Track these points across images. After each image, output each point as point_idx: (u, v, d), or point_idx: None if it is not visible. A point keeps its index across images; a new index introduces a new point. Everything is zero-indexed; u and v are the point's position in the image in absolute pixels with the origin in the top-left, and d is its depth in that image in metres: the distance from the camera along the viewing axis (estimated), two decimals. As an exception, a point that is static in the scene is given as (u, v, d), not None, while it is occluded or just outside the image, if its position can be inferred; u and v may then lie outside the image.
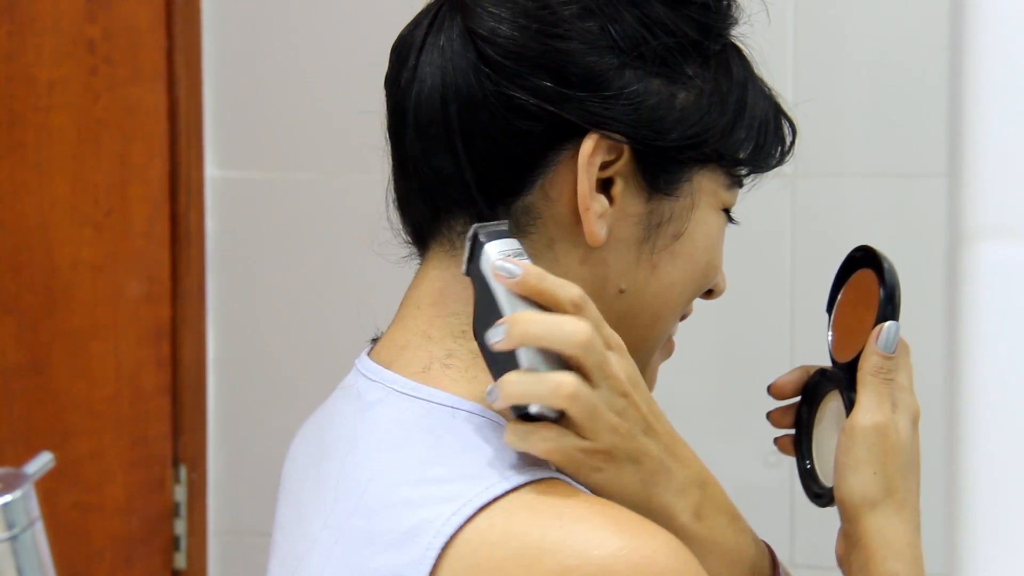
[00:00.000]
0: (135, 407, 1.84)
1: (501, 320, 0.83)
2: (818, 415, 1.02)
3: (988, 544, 0.56)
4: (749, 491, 1.62)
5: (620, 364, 0.85)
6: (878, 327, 0.96)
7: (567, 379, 0.82)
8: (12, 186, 1.81)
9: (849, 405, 0.96)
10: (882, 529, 0.93)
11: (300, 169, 1.83)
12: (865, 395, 0.94)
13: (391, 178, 0.94)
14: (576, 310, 0.83)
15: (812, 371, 1.02)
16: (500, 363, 0.83)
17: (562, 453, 0.83)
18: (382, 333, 0.95)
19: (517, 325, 0.82)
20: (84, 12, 1.80)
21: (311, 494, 0.91)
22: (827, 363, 1.02)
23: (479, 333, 0.85)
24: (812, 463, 1.01)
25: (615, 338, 0.85)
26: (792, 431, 1.03)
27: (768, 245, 1.64)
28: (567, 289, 0.84)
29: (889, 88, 1.59)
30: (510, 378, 0.82)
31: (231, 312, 1.88)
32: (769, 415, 1.04)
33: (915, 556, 0.93)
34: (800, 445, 1.02)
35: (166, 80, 1.82)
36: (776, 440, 1.04)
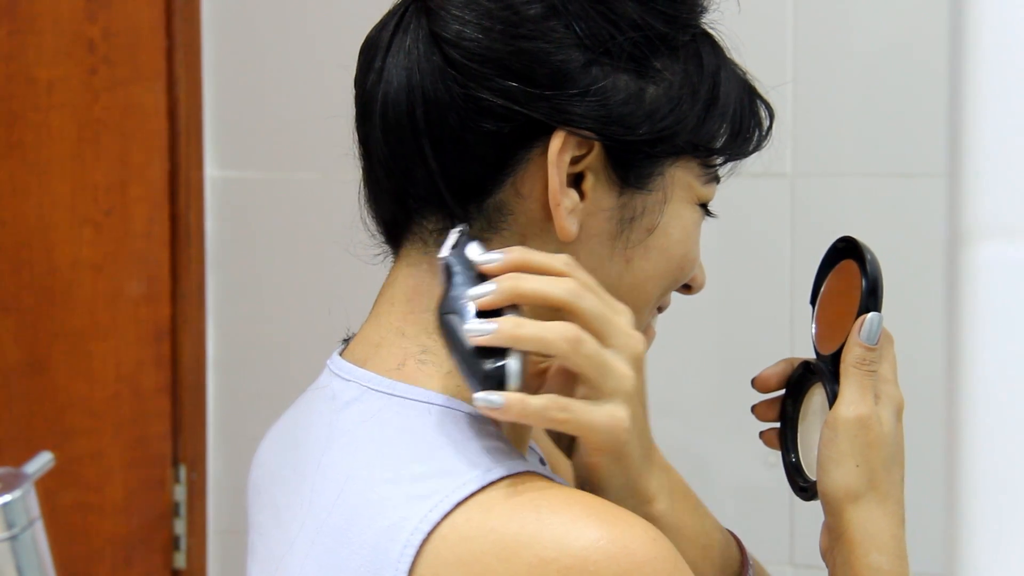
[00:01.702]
0: (135, 407, 1.84)
1: (491, 282, 0.83)
2: (803, 408, 1.02)
3: (988, 544, 0.56)
4: (749, 491, 1.62)
5: (625, 318, 0.85)
6: (860, 318, 0.95)
7: (569, 325, 0.82)
8: (12, 186, 1.81)
9: (832, 397, 0.96)
10: (864, 522, 0.93)
11: (300, 169, 1.83)
12: (847, 387, 0.94)
13: (362, 178, 0.95)
14: (569, 268, 0.84)
15: (796, 364, 1.02)
16: (463, 349, 0.82)
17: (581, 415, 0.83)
18: (353, 334, 0.95)
19: (507, 280, 0.83)
20: (84, 12, 1.80)
21: (288, 496, 0.91)
22: (812, 356, 1.02)
23: (447, 310, 0.84)
24: (797, 457, 1.01)
25: (620, 304, 0.86)
26: (777, 424, 1.03)
27: (768, 245, 1.64)
28: (555, 256, 0.85)
29: (888, 88, 1.59)
30: (508, 319, 0.82)
31: (231, 312, 1.88)
32: (754, 409, 1.04)
33: (899, 548, 0.93)
34: (785, 439, 1.02)
35: (166, 80, 1.82)
36: (761, 434, 1.04)
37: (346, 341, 0.96)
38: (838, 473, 0.93)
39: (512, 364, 0.81)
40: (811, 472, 1.00)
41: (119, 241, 1.82)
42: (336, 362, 0.93)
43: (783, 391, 1.03)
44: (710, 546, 0.94)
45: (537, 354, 0.84)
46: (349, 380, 0.90)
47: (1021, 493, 0.55)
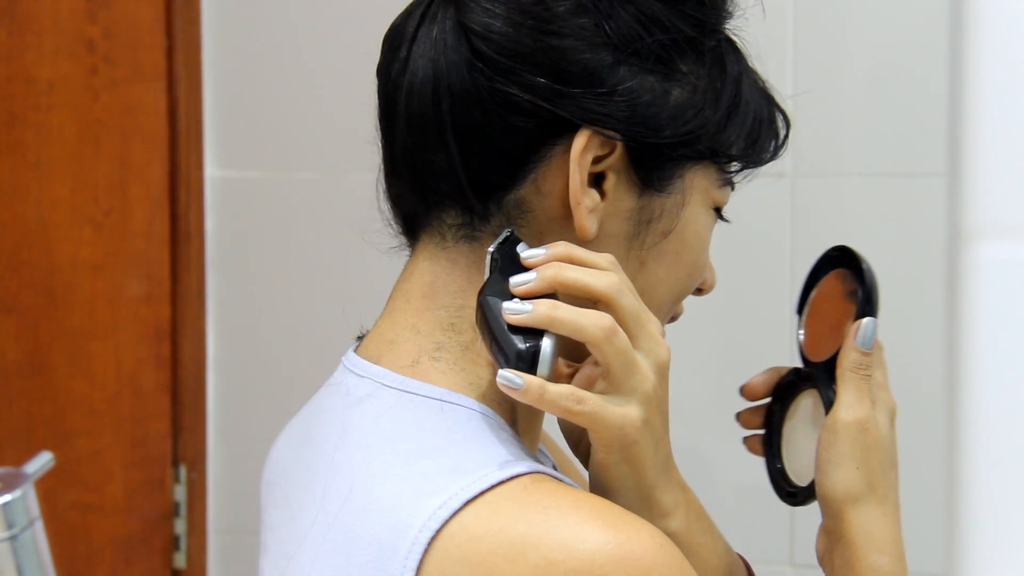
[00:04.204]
0: (135, 407, 1.84)
1: (534, 269, 0.84)
2: (788, 414, 1.02)
3: (988, 544, 0.56)
4: (749, 491, 1.62)
5: (656, 327, 0.86)
6: (856, 323, 0.96)
7: (605, 315, 0.83)
8: (12, 186, 1.81)
9: (828, 402, 0.96)
10: (864, 524, 0.93)
11: (300, 169, 1.83)
12: (845, 391, 0.95)
13: (382, 168, 0.95)
14: (612, 267, 0.85)
15: (784, 371, 1.02)
16: (499, 327, 0.84)
17: (593, 407, 0.83)
18: (367, 331, 0.95)
19: (549, 268, 0.84)
20: (84, 12, 1.80)
21: (300, 492, 0.91)
22: (798, 363, 1.02)
23: (488, 296, 0.85)
24: (782, 463, 1.02)
25: (652, 315, 0.87)
26: (761, 431, 1.04)
27: (767, 245, 1.64)
28: (599, 254, 0.86)
29: (889, 87, 1.59)
30: (545, 301, 0.83)
31: (231, 312, 1.88)
32: (738, 416, 1.04)
33: (898, 549, 0.94)
34: (770, 445, 1.03)
35: (166, 80, 1.82)
36: (745, 440, 1.05)
37: (360, 338, 0.96)
38: (838, 476, 0.93)
39: (546, 345, 0.82)
40: (798, 478, 1.00)
41: (119, 241, 1.82)
42: (350, 358, 0.93)
43: (768, 399, 1.03)
44: (723, 568, 0.94)
45: (570, 339, 0.84)
46: (363, 376, 0.90)
47: (1021, 493, 0.55)
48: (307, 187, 1.83)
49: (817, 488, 0.95)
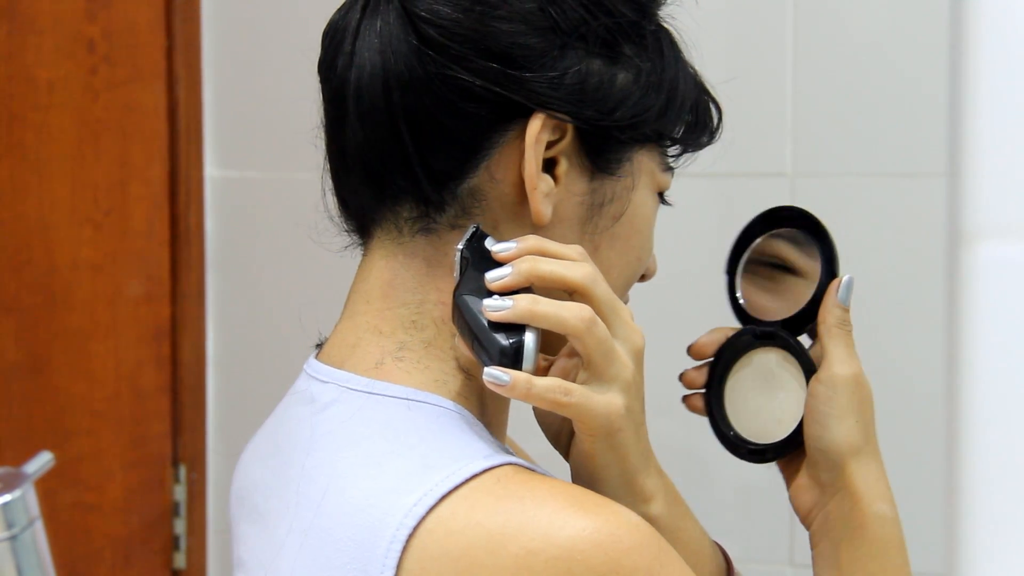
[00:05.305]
0: (135, 407, 1.84)
1: (509, 264, 0.84)
2: (734, 373, 1.03)
3: (988, 544, 0.56)
4: (749, 491, 1.62)
5: (628, 313, 0.87)
6: (835, 281, 0.98)
7: (584, 306, 0.84)
8: (12, 186, 1.81)
9: (808, 359, 0.98)
10: (866, 474, 0.96)
11: (300, 169, 1.83)
12: (836, 347, 0.97)
13: (327, 166, 0.95)
14: (582, 257, 0.86)
15: (731, 331, 1.04)
16: (479, 325, 0.84)
17: (580, 399, 0.84)
18: (326, 338, 0.95)
19: (524, 262, 0.84)
20: (84, 12, 1.80)
21: (273, 502, 0.91)
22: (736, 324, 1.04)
23: (464, 294, 0.85)
24: (733, 428, 1.03)
25: (623, 304, 0.87)
26: (702, 391, 1.05)
27: (768, 245, 1.64)
28: (568, 245, 0.86)
29: (889, 88, 1.59)
30: (525, 296, 0.83)
31: (231, 312, 1.88)
32: (682, 376, 1.05)
33: (892, 497, 0.97)
34: (717, 407, 1.03)
35: (166, 80, 1.82)
36: (685, 399, 1.05)
37: (319, 345, 0.96)
38: (840, 429, 0.95)
39: (529, 340, 0.83)
40: (754, 435, 1.01)
41: (119, 241, 1.82)
42: (312, 365, 0.93)
43: (711, 359, 1.04)
44: (702, 552, 0.94)
45: (551, 332, 0.85)
46: (327, 382, 0.90)
47: (1021, 493, 0.56)
48: (307, 187, 1.83)
49: (814, 441, 0.96)
